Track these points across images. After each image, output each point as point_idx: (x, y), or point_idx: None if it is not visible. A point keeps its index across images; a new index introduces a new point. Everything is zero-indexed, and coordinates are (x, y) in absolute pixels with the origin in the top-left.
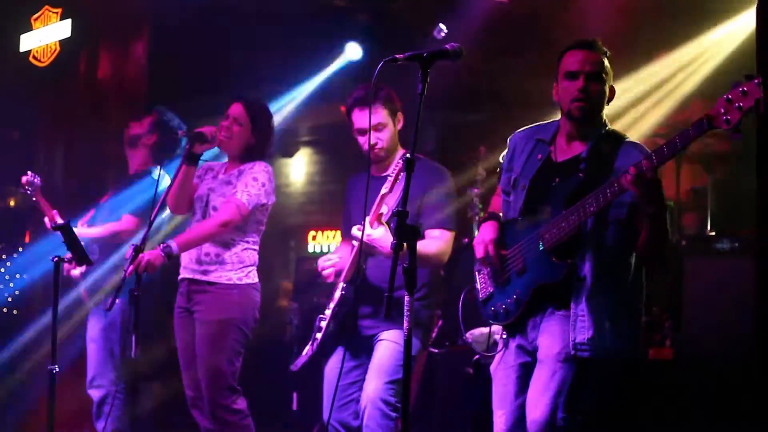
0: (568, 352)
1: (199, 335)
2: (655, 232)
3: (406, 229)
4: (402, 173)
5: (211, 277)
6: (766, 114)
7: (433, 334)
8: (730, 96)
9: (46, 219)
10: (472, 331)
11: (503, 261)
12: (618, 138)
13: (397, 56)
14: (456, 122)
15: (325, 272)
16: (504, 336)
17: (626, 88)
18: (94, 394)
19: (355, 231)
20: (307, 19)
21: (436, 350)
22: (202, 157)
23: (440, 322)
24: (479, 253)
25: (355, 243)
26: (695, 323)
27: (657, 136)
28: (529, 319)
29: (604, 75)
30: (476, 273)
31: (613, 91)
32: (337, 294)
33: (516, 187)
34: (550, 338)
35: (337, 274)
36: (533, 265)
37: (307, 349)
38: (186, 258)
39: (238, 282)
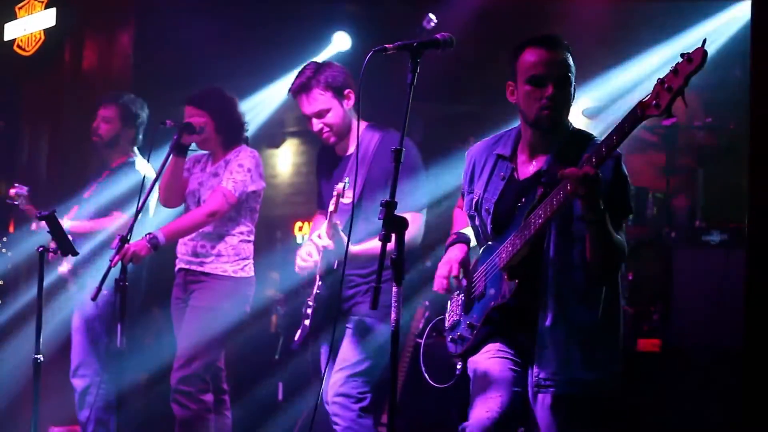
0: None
1: (185, 319)
2: (596, 243)
3: (395, 220)
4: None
5: (206, 268)
6: (758, 106)
7: (420, 325)
8: (663, 78)
9: (34, 224)
10: None
11: (469, 285)
12: (584, 139)
13: (386, 46)
14: (445, 113)
15: (303, 272)
16: (458, 365)
17: (615, 80)
18: (78, 383)
19: (315, 239)
20: (295, 8)
21: (423, 341)
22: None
23: (427, 314)
24: (441, 272)
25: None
26: (684, 315)
27: (644, 129)
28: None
29: (571, 76)
30: (449, 301)
31: (575, 91)
32: (314, 289)
33: (479, 210)
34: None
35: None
36: (490, 287)
37: (299, 334)
38: (182, 249)
39: (233, 274)
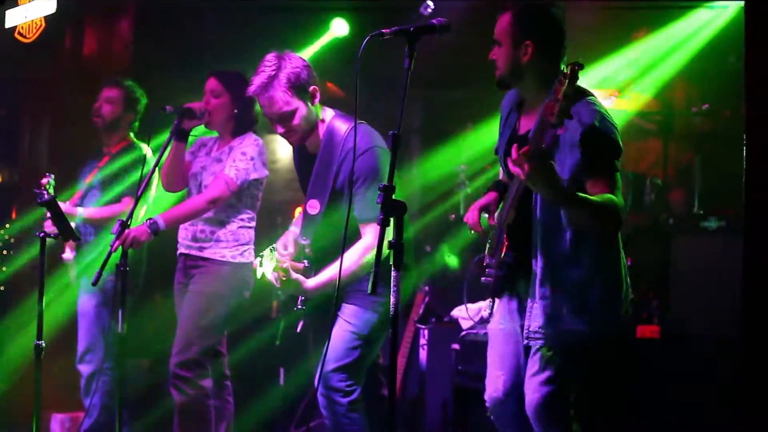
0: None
1: (184, 303)
2: (569, 214)
3: (393, 204)
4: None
5: (206, 253)
6: (754, 93)
7: (420, 311)
8: (553, 91)
9: (67, 251)
10: (459, 308)
11: (492, 227)
12: (572, 99)
13: (383, 31)
14: (443, 99)
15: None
16: (490, 303)
17: (610, 67)
18: (84, 369)
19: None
20: None
21: (423, 326)
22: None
23: (426, 299)
24: (468, 215)
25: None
26: (682, 302)
27: (639, 116)
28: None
29: (509, 36)
30: (488, 242)
31: (534, 46)
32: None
33: (498, 157)
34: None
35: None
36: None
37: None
38: (182, 234)
39: (231, 260)
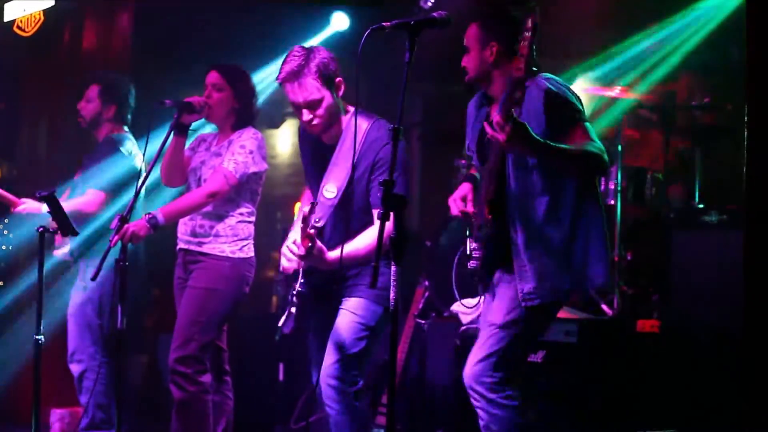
0: (511, 315)
1: (183, 299)
2: (557, 164)
3: (394, 198)
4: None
5: (205, 249)
6: (755, 87)
7: (420, 305)
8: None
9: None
10: (459, 302)
11: (469, 217)
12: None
13: (384, 24)
14: (443, 93)
15: (288, 271)
16: (481, 288)
17: (613, 59)
18: (74, 368)
19: (289, 251)
20: None
21: (423, 321)
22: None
23: (426, 294)
24: (451, 209)
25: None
26: (682, 295)
27: (640, 107)
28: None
29: (474, 40)
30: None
31: (498, 47)
32: (297, 286)
33: (470, 152)
34: (498, 303)
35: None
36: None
37: (283, 319)
38: (182, 229)
39: (231, 255)
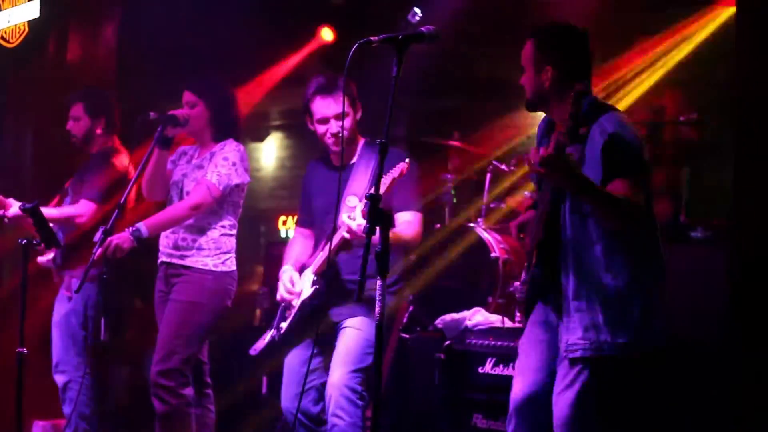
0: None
1: (166, 312)
2: (594, 208)
3: (379, 214)
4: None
5: (187, 262)
6: (744, 104)
7: (404, 320)
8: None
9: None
10: (443, 317)
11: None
12: (596, 112)
13: (371, 38)
14: (428, 108)
15: (284, 302)
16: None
17: (603, 74)
18: (59, 379)
19: (347, 219)
20: (280, 2)
21: (407, 336)
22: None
23: (411, 308)
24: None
25: (332, 239)
26: (668, 310)
27: (634, 123)
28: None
29: (530, 64)
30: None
31: (554, 71)
32: (309, 286)
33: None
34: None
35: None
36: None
37: (270, 335)
38: (164, 242)
39: (213, 269)
